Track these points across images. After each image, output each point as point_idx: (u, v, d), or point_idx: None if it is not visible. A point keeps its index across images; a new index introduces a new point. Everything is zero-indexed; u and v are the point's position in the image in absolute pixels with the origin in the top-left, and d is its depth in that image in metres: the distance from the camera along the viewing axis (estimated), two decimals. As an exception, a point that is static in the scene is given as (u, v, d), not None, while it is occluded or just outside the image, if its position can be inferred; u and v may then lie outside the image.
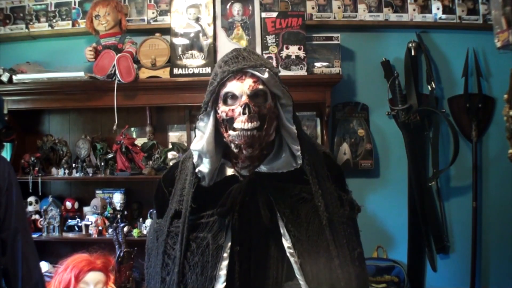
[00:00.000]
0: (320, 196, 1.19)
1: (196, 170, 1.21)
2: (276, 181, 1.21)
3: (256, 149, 1.18)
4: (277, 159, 1.23)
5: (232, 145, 1.19)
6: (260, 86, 1.17)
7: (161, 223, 1.28)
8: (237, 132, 1.16)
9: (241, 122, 1.14)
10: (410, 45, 2.71)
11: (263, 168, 1.22)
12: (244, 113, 1.14)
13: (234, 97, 1.17)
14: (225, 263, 1.17)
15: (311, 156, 1.23)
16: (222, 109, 1.18)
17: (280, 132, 1.23)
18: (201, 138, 1.21)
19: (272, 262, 1.17)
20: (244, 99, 1.15)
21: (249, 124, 1.14)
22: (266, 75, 1.16)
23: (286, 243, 1.17)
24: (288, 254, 1.17)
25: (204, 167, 1.21)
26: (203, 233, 1.19)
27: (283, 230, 1.18)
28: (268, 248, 1.18)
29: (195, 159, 1.21)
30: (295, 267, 1.15)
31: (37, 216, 2.62)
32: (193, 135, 1.24)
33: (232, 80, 1.17)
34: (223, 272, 1.17)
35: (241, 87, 1.16)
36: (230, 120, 1.17)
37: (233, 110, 1.17)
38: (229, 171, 1.25)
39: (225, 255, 1.18)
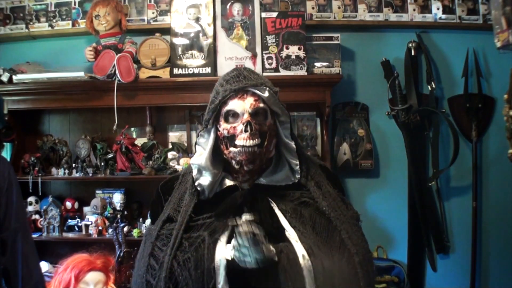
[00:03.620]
0: (322, 200, 1.20)
1: (196, 183, 1.23)
2: (276, 190, 1.23)
3: (257, 165, 1.21)
4: (275, 173, 1.26)
5: (233, 162, 1.22)
6: (261, 105, 1.20)
7: (151, 228, 1.26)
8: (238, 149, 1.18)
9: (243, 139, 1.17)
10: (410, 45, 2.71)
11: (262, 181, 1.24)
12: (246, 131, 1.17)
13: (236, 115, 1.20)
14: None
15: (310, 169, 1.25)
16: (224, 127, 1.21)
17: (279, 148, 1.26)
18: (201, 154, 1.24)
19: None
20: (246, 117, 1.18)
21: (251, 141, 1.17)
22: (266, 94, 1.20)
23: (292, 238, 1.12)
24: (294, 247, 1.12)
25: (205, 179, 1.23)
26: (198, 233, 1.17)
27: (287, 228, 1.15)
28: None
29: (194, 173, 1.23)
30: (301, 256, 1.08)
31: (37, 216, 2.61)
32: (194, 150, 1.27)
33: (233, 98, 1.20)
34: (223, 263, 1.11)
35: (242, 105, 1.19)
36: (231, 137, 1.20)
37: (234, 127, 1.19)
38: (230, 183, 1.26)
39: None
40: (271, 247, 1.09)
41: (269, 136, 1.21)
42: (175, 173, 1.40)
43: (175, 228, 1.18)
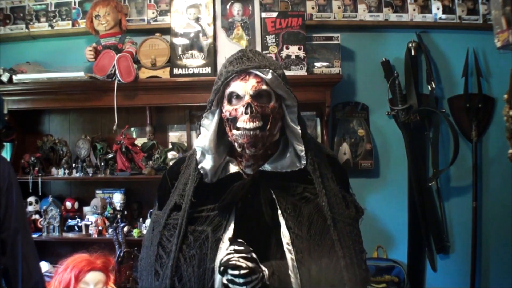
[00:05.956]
0: (324, 195, 1.20)
1: (199, 166, 1.23)
2: (280, 180, 1.23)
3: (259, 148, 1.20)
4: (281, 158, 1.24)
5: (236, 144, 1.21)
6: (263, 87, 1.19)
7: (159, 214, 1.30)
8: (240, 132, 1.18)
9: (244, 122, 1.17)
10: (410, 45, 2.71)
11: (267, 167, 1.24)
12: (246, 113, 1.16)
13: (238, 97, 1.20)
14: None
15: (316, 156, 1.24)
16: (226, 109, 1.21)
17: (285, 133, 1.25)
18: (205, 135, 1.23)
19: (273, 260, 1.17)
20: (247, 99, 1.18)
21: (251, 123, 1.16)
22: (269, 76, 1.18)
23: (285, 239, 1.17)
24: (285, 250, 1.16)
25: (207, 163, 1.23)
26: (202, 227, 1.20)
27: (282, 228, 1.18)
28: (269, 245, 1.19)
29: (198, 156, 1.24)
30: (290, 264, 1.15)
31: (37, 216, 2.61)
32: (198, 132, 1.27)
33: (236, 80, 1.20)
34: None
35: (244, 87, 1.19)
36: (234, 119, 1.20)
37: (236, 109, 1.19)
38: (234, 169, 1.26)
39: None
40: (263, 269, 1.11)
41: (272, 119, 1.20)
42: (183, 156, 1.40)
43: (180, 217, 1.21)
